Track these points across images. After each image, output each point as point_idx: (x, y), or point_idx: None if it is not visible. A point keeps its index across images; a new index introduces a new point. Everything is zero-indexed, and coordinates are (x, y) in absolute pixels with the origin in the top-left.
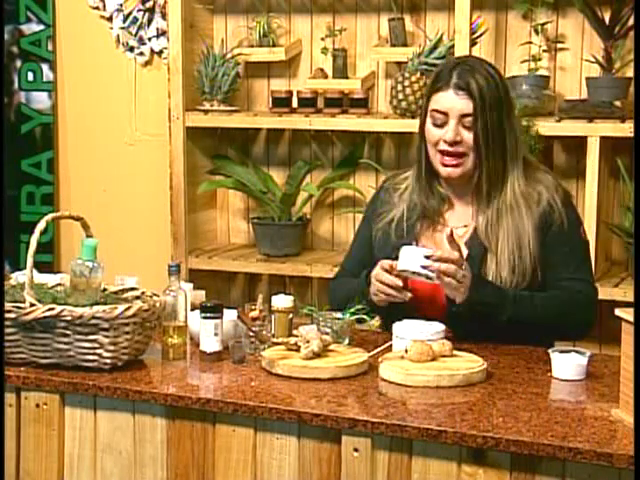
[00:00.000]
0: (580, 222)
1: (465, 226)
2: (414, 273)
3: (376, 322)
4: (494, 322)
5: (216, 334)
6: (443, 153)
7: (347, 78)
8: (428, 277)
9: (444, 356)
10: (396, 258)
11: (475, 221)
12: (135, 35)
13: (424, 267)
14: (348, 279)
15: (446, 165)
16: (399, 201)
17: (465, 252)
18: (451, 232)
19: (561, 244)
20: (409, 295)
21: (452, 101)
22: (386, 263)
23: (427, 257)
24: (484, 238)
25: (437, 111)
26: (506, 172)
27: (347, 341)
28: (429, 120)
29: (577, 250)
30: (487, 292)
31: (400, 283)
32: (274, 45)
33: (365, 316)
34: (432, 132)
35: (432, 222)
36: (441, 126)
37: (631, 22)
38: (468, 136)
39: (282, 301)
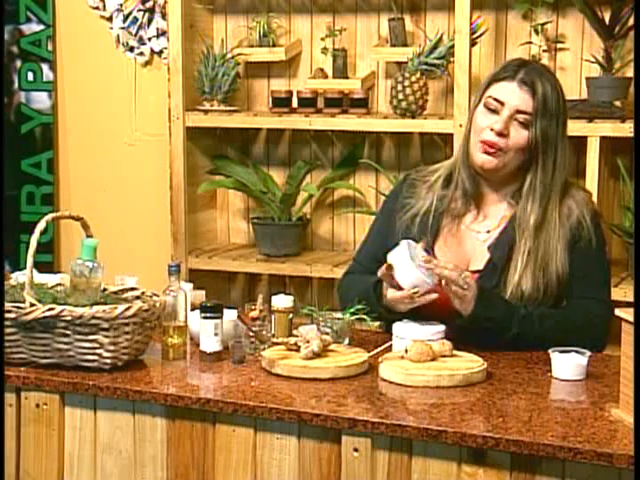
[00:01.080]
0: (605, 242)
1: (488, 232)
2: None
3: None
4: (500, 338)
5: (216, 334)
6: (485, 142)
7: (347, 78)
8: (426, 282)
9: (444, 356)
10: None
11: (504, 224)
12: (135, 35)
13: (422, 269)
14: (361, 277)
15: (485, 152)
16: (427, 193)
17: (487, 256)
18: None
19: (585, 261)
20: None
21: (513, 93)
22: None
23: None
24: (512, 238)
25: (494, 98)
26: (552, 186)
27: (347, 341)
28: (481, 107)
29: (600, 270)
30: (494, 307)
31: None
32: (274, 45)
33: (365, 316)
34: (480, 118)
35: (458, 216)
36: (493, 112)
37: (631, 22)
38: (515, 134)
39: (282, 301)
